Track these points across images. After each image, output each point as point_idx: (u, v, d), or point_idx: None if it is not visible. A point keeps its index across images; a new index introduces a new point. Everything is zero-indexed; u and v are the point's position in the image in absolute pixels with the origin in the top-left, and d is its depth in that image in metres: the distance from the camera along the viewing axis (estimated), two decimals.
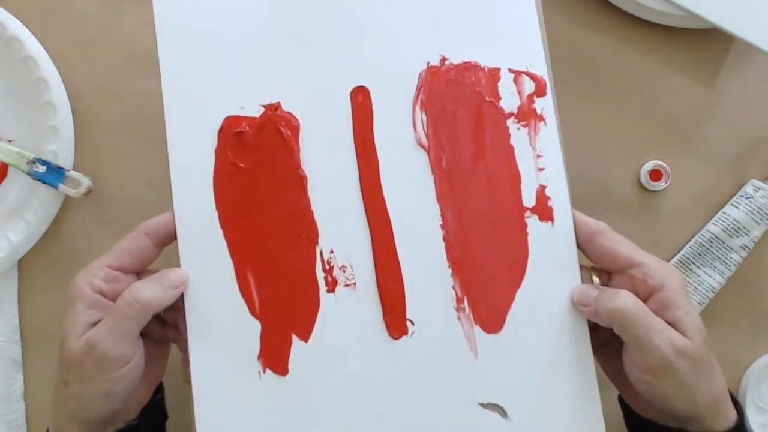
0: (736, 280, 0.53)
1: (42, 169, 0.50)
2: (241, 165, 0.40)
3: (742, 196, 0.52)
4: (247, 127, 0.40)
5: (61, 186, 0.50)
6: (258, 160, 0.40)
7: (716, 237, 0.52)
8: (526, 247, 0.40)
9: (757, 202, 0.51)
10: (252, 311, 0.39)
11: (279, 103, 0.40)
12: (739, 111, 0.54)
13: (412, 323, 0.40)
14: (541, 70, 0.42)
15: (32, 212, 0.51)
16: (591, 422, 0.39)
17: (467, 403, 0.39)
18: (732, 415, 0.39)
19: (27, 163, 0.50)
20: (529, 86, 0.42)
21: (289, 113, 0.40)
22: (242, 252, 0.39)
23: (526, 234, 0.40)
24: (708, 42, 0.53)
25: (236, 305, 0.39)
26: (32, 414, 0.52)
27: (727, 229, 0.52)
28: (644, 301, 0.38)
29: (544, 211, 0.40)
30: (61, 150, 0.50)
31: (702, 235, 0.53)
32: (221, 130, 0.40)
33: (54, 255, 0.52)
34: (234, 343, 0.39)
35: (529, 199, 0.41)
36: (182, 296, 0.39)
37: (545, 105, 0.41)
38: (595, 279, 0.41)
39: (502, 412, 0.39)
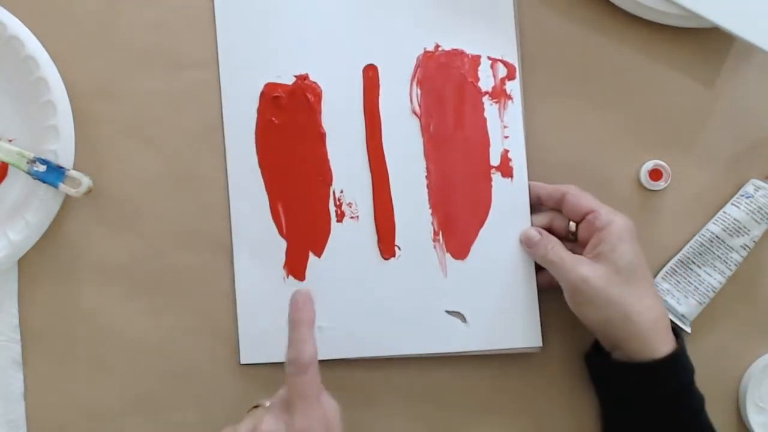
0: (737, 279, 0.52)
1: (42, 168, 0.50)
2: (276, 122, 0.52)
3: (742, 195, 0.52)
4: (281, 93, 0.52)
5: (62, 185, 0.50)
6: (289, 118, 0.52)
7: (716, 236, 0.52)
8: (490, 196, 0.52)
9: (757, 201, 0.51)
10: (280, 232, 0.52)
11: (307, 74, 0.52)
12: (739, 111, 0.54)
13: (399, 249, 0.52)
14: (513, 58, 0.52)
15: (32, 212, 0.50)
16: (530, 330, 0.51)
17: (437, 310, 0.52)
18: (671, 344, 0.46)
19: (27, 163, 0.50)
20: (502, 71, 0.52)
21: (314, 83, 0.52)
22: (275, 187, 0.52)
23: (491, 186, 0.52)
24: (708, 42, 0.53)
25: (269, 227, 0.52)
26: (32, 414, 0.52)
27: (727, 228, 0.52)
28: (590, 237, 0.48)
29: (506, 170, 0.52)
30: (62, 149, 0.50)
31: (702, 234, 0.53)
32: (262, 94, 0.52)
33: (54, 255, 0.52)
34: (266, 255, 0.52)
35: (495, 160, 0.52)
36: (230, 219, 0.52)
37: (514, 87, 0.52)
38: (572, 224, 0.50)
39: (463, 318, 0.51)
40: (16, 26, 0.51)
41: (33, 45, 0.51)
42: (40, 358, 0.52)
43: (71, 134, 0.51)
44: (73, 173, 0.50)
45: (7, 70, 0.51)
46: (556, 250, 0.48)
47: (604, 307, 0.46)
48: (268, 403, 0.42)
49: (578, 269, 0.47)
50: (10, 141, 0.51)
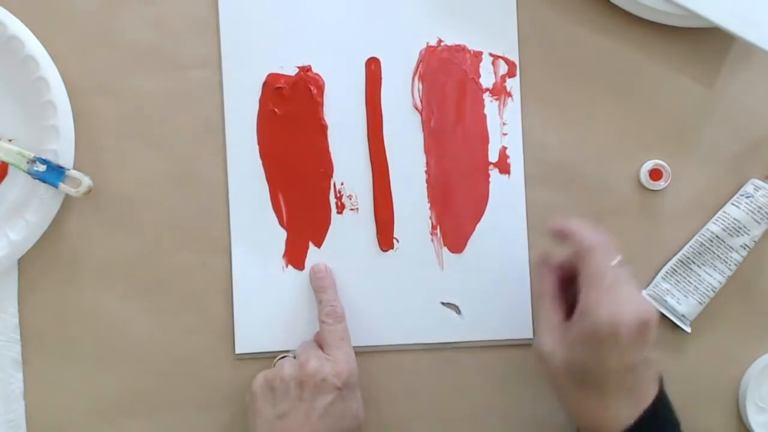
0: (737, 279, 0.53)
1: (42, 168, 0.50)
2: (278, 112, 0.53)
3: (742, 195, 0.52)
4: (284, 83, 0.52)
5: (62, 185, 0.50)
6: (291, 109, 0.53)
7: (716, 236, 0.52)
8: (487, 192, 0.53)
9: (757, 201, 0.51)
10: (281, 223, 0.53)
11: (310, 66, 0.53)
12: (739, 111, 0.54)
13: (398, 241, 0.53)
14: (514, 56, 0.53)
15: (32, 211, 0.50)
16: (522, 322, 0.53)
17: (432, 301, 0.53)
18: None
19: (27, 163, 0.50)
20: (503, 68, 0.53)
21: (317, 75, 0.53)
22: (276, 178, 0.53)
23: (489, 182, 0.53)
24: (708, 42, 0.53)
25: (269, 217, 0.53)
26: (32, 414, 0.52)
27: (727, 228, 0.52)
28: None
29: (503, 166, 0.53)
30: (62, 149, 0.50)
31: (702, 234, 0.53)
32: (265, 84, 0.53)
33: (54, 254, 0.52)
34: (266, 245, 0.53)
35: (493, 156, 0.53)
36: (229, 218, 0.52)
37: (514, 85, 0.53)
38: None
39: (457, 310, 0.53)
40: (16, 26, 0.50)
41: (33, 45, 0.51)
42: (40, 358, 0.52)
43: (71, 134, 0.51)
44: (73, 173, 0.50)
45: (7, 70, 0.51)
46: (543, 302, 0.47)
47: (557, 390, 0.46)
48: (292, 354, 0.49)
49: (540, 339, 0.45)
50: (10, 141, 0.51)
